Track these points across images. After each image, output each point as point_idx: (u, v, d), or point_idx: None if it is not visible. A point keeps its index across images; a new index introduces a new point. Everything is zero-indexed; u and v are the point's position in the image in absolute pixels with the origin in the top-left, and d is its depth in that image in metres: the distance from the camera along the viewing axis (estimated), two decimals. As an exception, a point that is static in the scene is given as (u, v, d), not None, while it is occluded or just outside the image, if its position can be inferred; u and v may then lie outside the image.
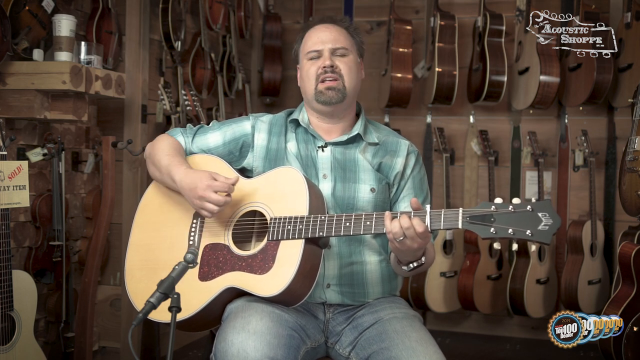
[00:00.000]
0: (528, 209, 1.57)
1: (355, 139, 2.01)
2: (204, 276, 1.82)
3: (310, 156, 1.98)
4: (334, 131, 2.01)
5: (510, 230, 1.57)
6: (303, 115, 2.03)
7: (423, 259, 1.79)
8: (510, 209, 1.58)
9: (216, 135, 2.03)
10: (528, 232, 1.56)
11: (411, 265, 1.80)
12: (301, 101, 2.10)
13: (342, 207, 1.92)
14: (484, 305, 3.99)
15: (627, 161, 3.02)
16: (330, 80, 1.94)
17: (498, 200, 1.61)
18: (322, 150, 1.98)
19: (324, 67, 1.94)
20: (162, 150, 1.98)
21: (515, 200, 1.59)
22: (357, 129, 2.00)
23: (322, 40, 1.97)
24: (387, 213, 1.69)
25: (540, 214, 1.56)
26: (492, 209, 1.59)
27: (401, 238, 1.66)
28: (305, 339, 1.80)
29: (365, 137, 2.01)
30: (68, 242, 3.05)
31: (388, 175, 1.99)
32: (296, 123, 2.03)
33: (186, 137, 2.04)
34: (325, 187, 1.93)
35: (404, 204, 1.99)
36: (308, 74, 1.97)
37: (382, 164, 1.99)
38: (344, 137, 1.99)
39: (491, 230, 1.58)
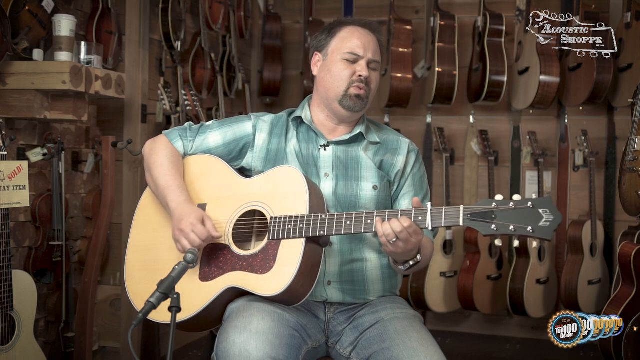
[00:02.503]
0: (529, 205, 1.57)
1: (357, 138, 2.01)
2: (205, 276, 1.82)
3: (312, 155, 1.98)
4: (338, 131, 2.01)
5: (511, 227, 1.57)
6: (306, 112, 2.02)
7: (418, 257, 1.79)
8: (511, 205, 1.58)
9: (216, 135, 2.02)
10: (529, 228, 1.56)
11: (407, 264, 1.80)
12: (301, 101, 2.10)
13: (344, 205, 1.93)
14: (484, 305, 3.99)
15: (627, 161, 3.02)
16: (362, 89, 1.93)
17: (499, 197, 1.61)
18: (324, 149, 1.98)
19: (361, 75, 1.93)
20: (161, 166, 1.96)
21: (516, 197, 1.59)
22: (360, 128, 2.01)
23: (365, 46, 1.94)
24: (378, 218, 1.69)
25: (541, 210, 1.56)
26: (493, 205, 1.59)
27: (394, 240, 1.66)
28: (306, 339, 1.80)
29: (367, 137, 2.01)
30: (68, 242, 3.05)
31: (389, 173, 1.99)
32: (299, 121, 2.03)
33: (185, 141, 2.03)
34: (327, 185, 1.93)
35: (404, 202, 2.00)
36: (340, 75, 1.94)
37: (383, 162, 1.99)
38: (347, 136, 1.99)
39: (492, 227, 1.58)
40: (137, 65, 3.32)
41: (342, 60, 1.94)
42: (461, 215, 1.61)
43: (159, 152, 1.99)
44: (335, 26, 2.01)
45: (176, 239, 1.83)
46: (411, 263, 1.80)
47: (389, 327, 1.80)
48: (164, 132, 2.07)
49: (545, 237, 1.55)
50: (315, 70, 2.03)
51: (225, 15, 4.09)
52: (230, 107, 4.39)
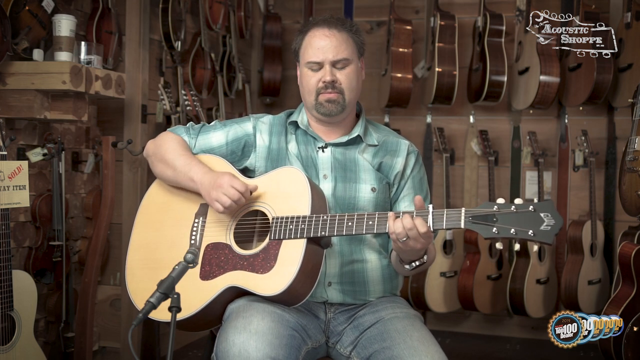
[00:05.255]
0: (530, 209, 1.57)
1: (355, 140, 2.01)
2: (205, 275, 1.82)
3: (311, 157, 1.98)
4: (334, 133, 2.01)
5: (512, 230, 1.57)
6: (302, 117, 2.03)
7: (425, 257, 1.79)
8: (512, 209, 1.58)
9: (219, 135, 2.02)
10: (530, 232, 1.56)
11: (413, 264, 1.80)
12: (301, 101, 2.10)
13: (342, 207, 1.92)
14: (484, 305, 3.99)
15: (627, 161, 3.02)
16: (330, 93, 1.92)
17: (500, 200, 1.61)
18: (322, 151, 1.98)
19: (325, 81, 1.91)
20: (174, 150, 1.97)
21: (518, 201, 1.60)
22: (357, 130, 2.00)
23: (323, 49, 1.91)
24: (391, 213, 1.69)
25: (542, 214, 1.57)
26: (494, 209, 1.59)
27: (404, 239, 1.66)
28: (306, 339, 1.80)
29: (365, 139, 2.01)
30: (68, 242, 3.05)
31: (388, 175, 1.99)
32: (295, 125, 2.03)
33: (190, 137, 2.04)
34: (326, 187, 1.93)
35: (404, 204, 1.99)
36: (308, 85, 1.94)
37: (382, 164, 1.99)
38: (344, 139, 1.99)
39: (493, 230, 1.58)
40: (137, 65, 3.32)
41: (308, 70, 1.95)
42: (462, 217, 1.61)
43: (167, 142, 2.00)
44: (300, 34, 2.00)
45: (213, 199, 1.81)
46: (417, 263, 1.80)
47: (389, 326, 1.80)
48: (168, 129, 2.08)
49: (546, 241, 1.56)
50: (298, 80, 2.04)
51: (225, 15, 4.09)
52: (230, 107, 4.39)
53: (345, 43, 1.94)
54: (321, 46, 1.92)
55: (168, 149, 1.98)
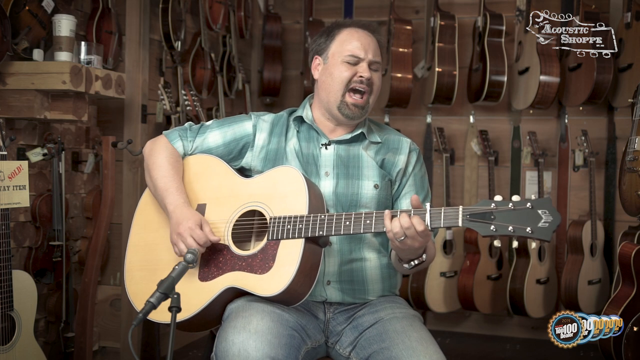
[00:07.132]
0: (528, 206, 1.57)
1: (359, 137, 2.01)
2: (204, 276, 1.82)
3: (312, 154, 1.98)
4: (338, 130, 2.01)
5: (510, 228, 1.57)
6: (307, 112, 2.03)
7: (424, 256, 1.79)
8: (510, 206, 1.58)
9: (216, 135, 2.02)
10: (528, 229, 1.56)
11: (412, 263, 1.80)
12: (301, 101, 2.10)
13: (344, 204, 1.93)
14: (484, 305, 3.99)
15: (627, 161, 3.02)
16: (360, 94, 1.93)
17: (498, 197, 1.61)
18: (325, 148, 1.98)
19: (361, 76, 1.92)
20: (161, 167, 1.96)
21: (515, 198, 1.59)
22: (361, 128, 2.01)
23: (365, 47, 1.94)
24: (387, 212, 1.69)
25: (540, 211, 1.56)
26: (492, 206, 1.59)
27: (402, 238, 1.66)
28: (305, 339, 1.80)
29: (369, 137, 2.01)
30: (68, 242, 3.05)
31: (391, 172, 1.99)
32: (300, 120, 2.03)
33: (185, 141, 2.03)
34: (327, 184, 1.93)
35: (406, 201, 2.00)
36: (340, 77, 1.93)
37: (385, 161, 1.99)
38: (348, 136, 1.99)
39: (491, 228, 1.58)
40: (137, 65, 3.32)
41: (343, 62, 1.94)
42: (460, 216, 1.61)
43: (158, 153, 1.99)
44: (334, 28, 2.00)
45: (174, 242, 1.83)
46: (416, 262, 1.80)
47: (389, 326, 1.80)
48: (164, 132, 2.08)
49: (544, 238, 1.55)
50: (316, 74, 2.03)
51: (225, 15, 4.09)
52: (230, 107, 4.39)
53: (379, 49, 1.99)
54: (365, 43, 1.94)
55: (155, 163, 1.97)
